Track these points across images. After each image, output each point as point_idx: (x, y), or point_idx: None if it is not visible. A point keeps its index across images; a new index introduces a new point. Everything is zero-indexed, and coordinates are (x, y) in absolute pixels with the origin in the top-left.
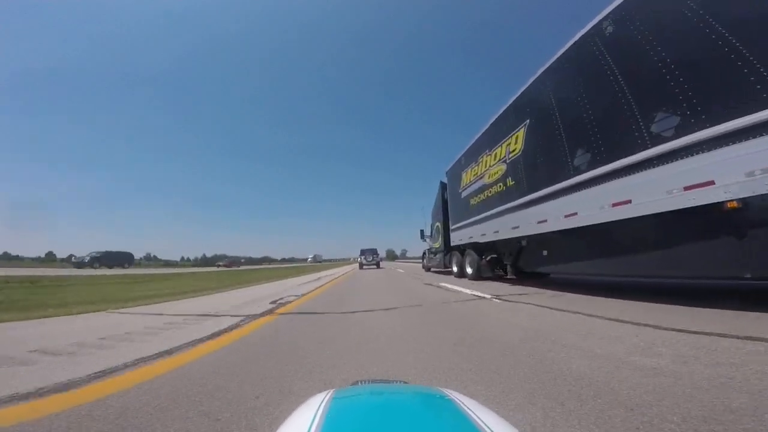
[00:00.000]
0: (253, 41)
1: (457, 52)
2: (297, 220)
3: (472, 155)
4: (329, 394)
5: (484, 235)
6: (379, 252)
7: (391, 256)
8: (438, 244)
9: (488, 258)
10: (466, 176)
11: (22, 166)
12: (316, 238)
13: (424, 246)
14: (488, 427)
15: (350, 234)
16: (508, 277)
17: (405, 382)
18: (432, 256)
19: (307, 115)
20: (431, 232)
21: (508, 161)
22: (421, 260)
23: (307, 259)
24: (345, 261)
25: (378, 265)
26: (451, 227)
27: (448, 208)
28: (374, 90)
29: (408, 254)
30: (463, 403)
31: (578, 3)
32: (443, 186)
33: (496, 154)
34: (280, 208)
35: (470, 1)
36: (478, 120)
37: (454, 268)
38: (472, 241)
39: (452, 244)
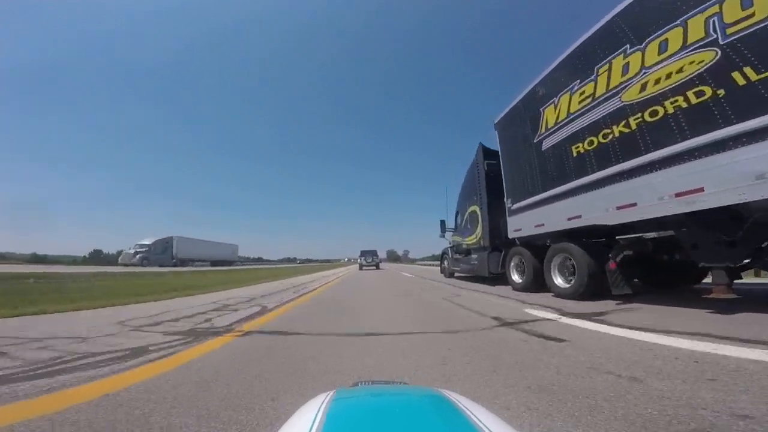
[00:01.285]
0: (252, 40)
1: (457, 51)
2: (296, 220)
3: (577, 68)
4: (330, 395)
5: (631, 207)
6: (378, 253)
7: (393, 257)
8: (473, 238)
9: (620, 257)
10: (556, 111)
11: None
12: (315, 239)
13: (444, 243)
14: (487, 428)
15: (350, 234)
16: (719, 296)
17: (405, 383)
18: (459, 256)
19: (306, 115)
20: (457, 223)
21: (730, 38)
22: (439, 263)
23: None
24: (333, 263)
25: (377, 266)
26: (511, 208)
27: (504, 179)
28: (374, 90)
29: (410, 255)
30: (462, 404)
31: (578, 3)
32: (484, 152)
33: (666, 41)
34: (277, 208)
35: (470, 1)
36: (478, 119)
37: (515, 277)
38: (578, 225)
39: (513, 235)
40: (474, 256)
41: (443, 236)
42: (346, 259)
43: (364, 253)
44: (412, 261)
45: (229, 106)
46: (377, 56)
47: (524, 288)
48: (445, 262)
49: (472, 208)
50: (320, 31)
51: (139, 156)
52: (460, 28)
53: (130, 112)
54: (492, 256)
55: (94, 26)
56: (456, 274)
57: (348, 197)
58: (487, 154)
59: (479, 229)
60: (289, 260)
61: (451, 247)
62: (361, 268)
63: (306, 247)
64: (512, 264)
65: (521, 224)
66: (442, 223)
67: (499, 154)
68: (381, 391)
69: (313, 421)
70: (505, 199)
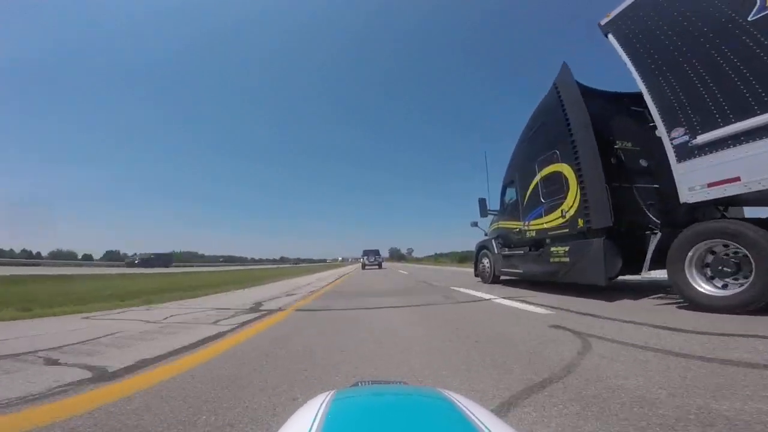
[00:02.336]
0: (252, 40)
1: (457, 51)
2: (296, 220)
3: None
4: (330, 395)
5: None
6: (381, 252)
7: (397, 256)
8: (555, 217)
9: None
10: None
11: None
12: (316, 239)
13: (477, 234)
14: (487, 429)
15: (352, 234)
16: None
17: (405, 383)
18: (515, 252)
19: (306, 115)
20: (506, 202)
21: None
22: (474, 262)
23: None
24: (329, 264)
25: (380, 266)
26: (691, 143)
27: (654, 99)
28: (374, 90)
29: (414, 254)
30: (462, 403)
31: (578, 3)
32: (573, 83)
33: None
34: (277, 208)
35: (470, 2)
36: (478, 120)
37: (702, 285)
38: None
39: (708, 195)
40: (559, 249)
41: (475, 225)
42: (340, 259)
43: (366, 253)
44: (417, 260)
45: (228, 106)
46: (377, 56)
47: (746, 304)
48: (486, 261)
49: (552, 168)
50: (320, 31)
51: (138, 156)
52: (459, 28)
53: (129, 111)
54: (609, 246)
55: (94, 26)
56: (503, 278)
57: (349, 197)
58: (579, 87)
59: (575, 201)
60: (276, 261)
61: (494, 239)
62: (363, 267)
63: (307, 247)
64: (690, 257)
65: (739, 168)
66: (482, 202)
67: (631, 65)
68: (381, 392)
69: (312, 423)
70: (668, 132)
